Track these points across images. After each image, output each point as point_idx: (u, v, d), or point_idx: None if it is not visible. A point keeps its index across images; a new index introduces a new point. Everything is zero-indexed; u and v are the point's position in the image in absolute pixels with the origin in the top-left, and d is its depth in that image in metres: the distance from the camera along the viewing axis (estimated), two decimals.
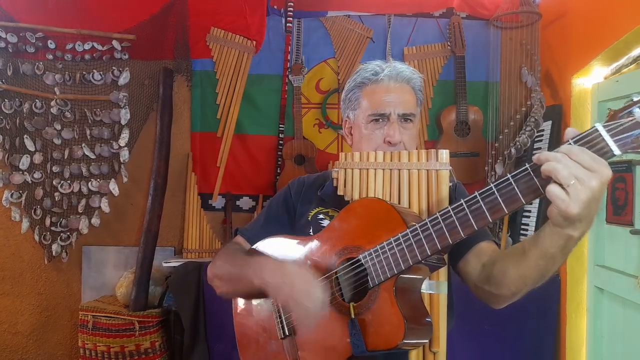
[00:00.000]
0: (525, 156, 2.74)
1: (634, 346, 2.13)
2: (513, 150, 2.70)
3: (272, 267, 1.09)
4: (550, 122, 2.65)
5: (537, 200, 2.46)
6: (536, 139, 2.71)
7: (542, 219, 2.55)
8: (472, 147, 2.90)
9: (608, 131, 0.77)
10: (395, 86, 1.22)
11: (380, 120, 1.21)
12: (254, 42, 2.98)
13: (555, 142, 2.61)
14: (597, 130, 0.78)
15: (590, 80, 2.47)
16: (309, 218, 1.28)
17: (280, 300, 1.07)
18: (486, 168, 2.84)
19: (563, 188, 0.77)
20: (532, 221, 2.63)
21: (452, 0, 2.98)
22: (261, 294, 1.10)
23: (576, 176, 0.76)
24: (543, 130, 2.70)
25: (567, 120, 2.55)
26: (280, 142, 3.01)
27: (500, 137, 2.82)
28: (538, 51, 2.79)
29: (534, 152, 2.73)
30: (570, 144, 0.79)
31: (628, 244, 2.17)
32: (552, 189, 0.78)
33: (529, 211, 2.66)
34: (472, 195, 0.89)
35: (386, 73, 1.22)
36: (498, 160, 2.78)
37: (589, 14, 2.38)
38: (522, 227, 2.69)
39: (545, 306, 2.52)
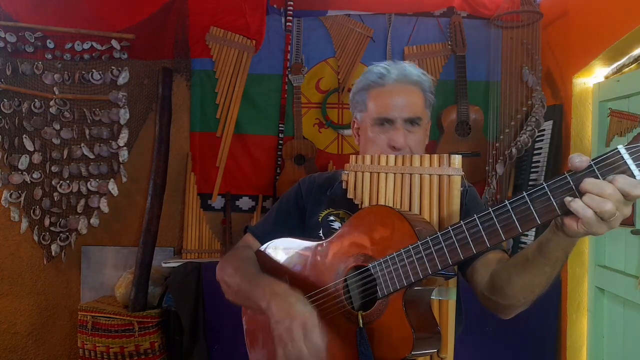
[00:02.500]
0: (526, 156, 2.73)
1: (634, 346, 2.13)
2: (514, 150, 2.69)
3: (282, 298, 1.03)
4: (551, 122, 2.64)
5: None
6: (537, 139, 2.70)
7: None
8: (473, 147, 2.88)
9: (631, 154, 0.74)
10: (401, 89, 1.19)
11: (385, 124, 1.20)
12: (254, 42, 2.96)
13: (556, 142, 2.60)
14: (619, 152, 0.74)
15: (591, 80, 2.46)
16: (320, 219, 1.26)
17: (276, 334, 1.00)
18: (487, 168, 2.83)
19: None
20: None
21: (453, 0, 2.97)
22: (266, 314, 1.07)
23: (618, 210, 0.75)
24: (544, 130, 2.69)
25: (568, 120, 2.55)
26: (280, 142, 2.99)
27: (501, 136, 2.81)
28: (539, 50, 2.78)
29: (535, 152, 2.72)
30: (591, 165, 0.76)
31: (629, 244, 2.17)
32: (590, 216, 0.76)
33: None
34: (486, 212, 0.86)
35: (392, 76, 1.19)
36: (499, 160, 2.78)
37: (590, 13, 2.37)
38: None
39: (545, 306, 2.51)
